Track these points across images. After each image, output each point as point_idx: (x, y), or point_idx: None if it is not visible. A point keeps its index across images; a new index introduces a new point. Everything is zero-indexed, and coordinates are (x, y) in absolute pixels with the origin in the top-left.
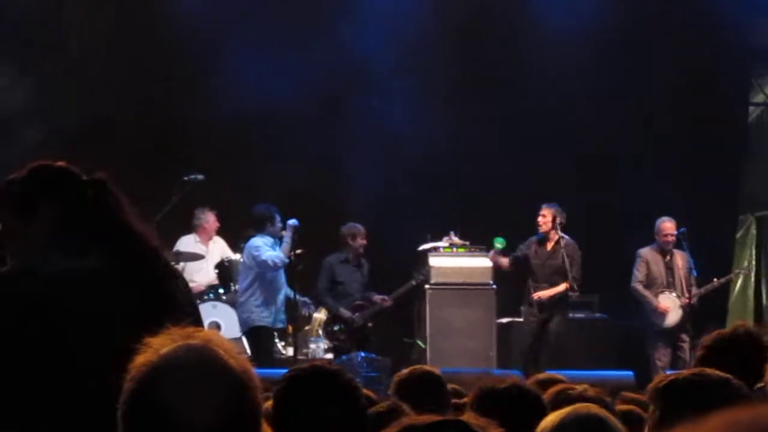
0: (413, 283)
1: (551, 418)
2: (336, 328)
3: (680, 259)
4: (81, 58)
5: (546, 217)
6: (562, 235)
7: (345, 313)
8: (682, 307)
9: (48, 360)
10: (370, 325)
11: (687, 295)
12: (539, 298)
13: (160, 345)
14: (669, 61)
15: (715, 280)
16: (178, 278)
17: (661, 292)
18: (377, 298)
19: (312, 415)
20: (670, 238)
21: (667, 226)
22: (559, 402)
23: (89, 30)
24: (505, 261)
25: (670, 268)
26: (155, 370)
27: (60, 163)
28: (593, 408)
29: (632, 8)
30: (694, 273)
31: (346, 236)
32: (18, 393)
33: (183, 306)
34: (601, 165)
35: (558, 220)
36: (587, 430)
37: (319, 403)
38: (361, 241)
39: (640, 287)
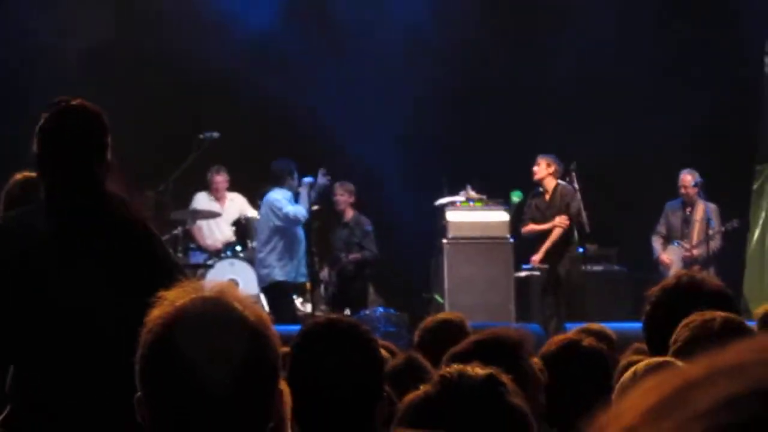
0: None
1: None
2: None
3: (700, 212)
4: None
5: (539, 166)
6: (559, 182)
7: (323, 275)
8: (683, 259)
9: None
10: (332, 280)
11: (688, 247)
12: (534, 263)
13: (175, 298)
14: (684, 10)
15: (710, 232)
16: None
17: (671, 243)
18: (351, 256)
19: (328, 368)
20: (683, 190)
21: (682, 177)
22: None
23: None
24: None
25: (687, 220)
26: (172, 321)
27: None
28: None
29: None
30: (712, 224)
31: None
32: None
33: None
34: (618, 116)
35: (552, 169)
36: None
37: (335, 356)
38: (335, 198)
39: (653, 238)
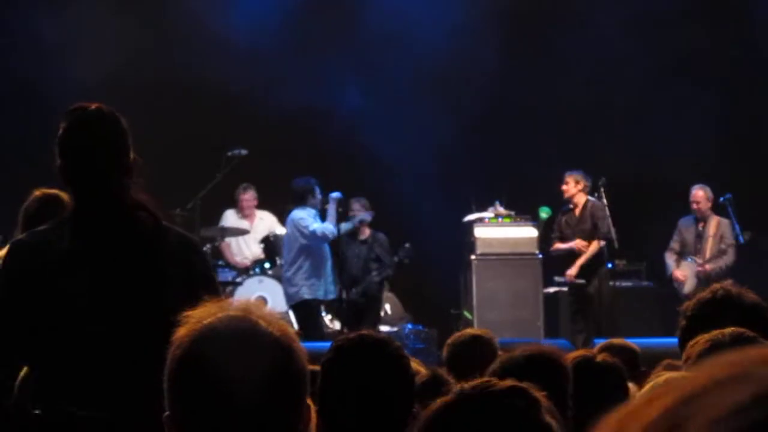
0: (396, 259)
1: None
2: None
3: (713, 227)
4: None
5: (568, 184)
6: (588, 198)
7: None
8: (697, 274)
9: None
10: (358, 299)
11: (701, 262)
12: (570, 278)
13: (201, 316)
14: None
15: (722, 246)
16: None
17: (685, 259)
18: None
19: (360, 383)
20: (695, 206)
21: (694, 193)
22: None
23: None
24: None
25: (700, 235)
26: (199, 338)
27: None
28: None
29: None
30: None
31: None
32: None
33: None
34: (646, 130)
35: (581, 185)
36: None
37: (366, 372)
38: (352, 214)
39: (666, 254)
